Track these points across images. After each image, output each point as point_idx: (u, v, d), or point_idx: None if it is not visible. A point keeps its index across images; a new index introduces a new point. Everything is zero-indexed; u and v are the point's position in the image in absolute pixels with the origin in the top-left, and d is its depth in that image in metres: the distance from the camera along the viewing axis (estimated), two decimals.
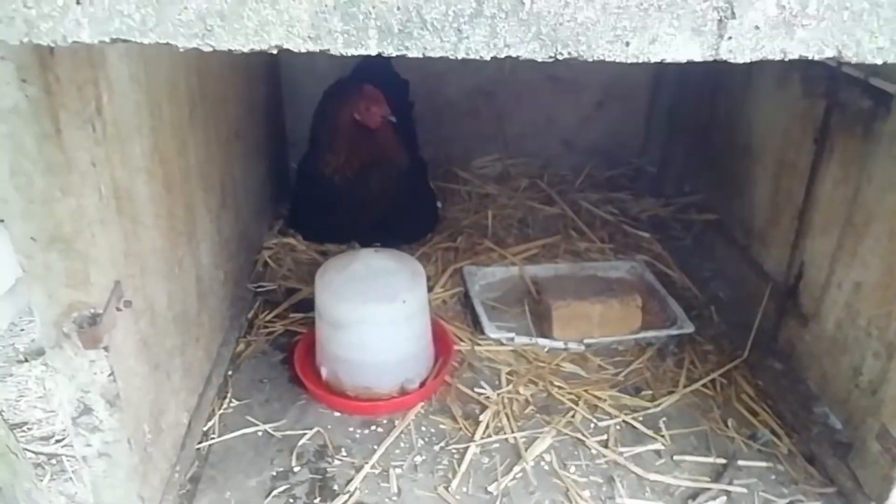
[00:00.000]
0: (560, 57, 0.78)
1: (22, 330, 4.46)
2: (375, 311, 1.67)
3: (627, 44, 0.77)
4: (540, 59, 0.77)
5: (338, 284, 1.70)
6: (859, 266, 1.61)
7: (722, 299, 2.21)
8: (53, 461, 3.52)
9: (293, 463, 1.58)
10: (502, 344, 1.98)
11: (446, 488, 1.53)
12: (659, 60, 0.79)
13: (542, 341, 1.98)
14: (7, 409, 3.24)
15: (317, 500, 1.49)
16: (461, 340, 1.99)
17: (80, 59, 1.00)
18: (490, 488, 1.53)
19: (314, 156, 2.33)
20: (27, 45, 0.79)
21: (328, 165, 2.24)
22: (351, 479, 1.54)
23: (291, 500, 1.49)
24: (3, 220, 0.99)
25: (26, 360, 4.07)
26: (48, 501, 2.51)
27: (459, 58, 0.78)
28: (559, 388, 1.83)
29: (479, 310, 2.06)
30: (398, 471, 1.57)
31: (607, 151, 2.98)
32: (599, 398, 1.80)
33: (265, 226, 2.43)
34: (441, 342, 1.90)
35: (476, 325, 2.06)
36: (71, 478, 3.10)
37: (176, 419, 1.47)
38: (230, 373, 1.85)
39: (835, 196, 1.71)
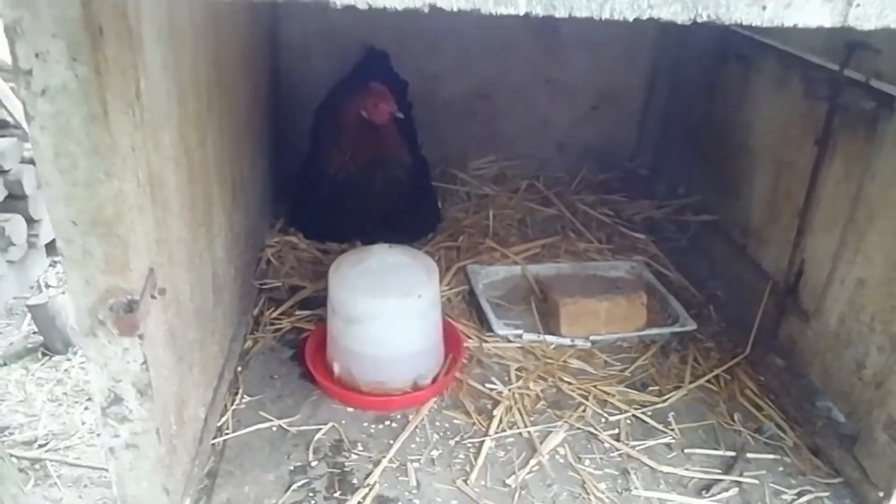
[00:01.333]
0: (699, 19, 0.81)
1: (0, 333, 4.35)
2: (392, 306, 1.68)
3: (764, 8, 0.81)
4: (679, 21, 0.80)
5: (353, 279, 1.70)
6: (862, 262, 1.66)
7: (720, 298, 2.26)
8: (37, 466, 3.45)
9: (310, 457, 1.57)
10: (510, 341, 1.99)
11: (465, 481, 1.53)
12: (792, 24, 0.82)
13: (549, 338, 2.00)
14: None
15: (337, 494, 1.48)
16: (469, 337, 2.00)
17: (123, 40, 0.99)
18: (508, 481, 1.54)
19: (317, 154, 2.33)
20: (78, 21, 0.79)
21: (332, 163, 2.24)
22: (369, 474, 1.53)
23: (311, 494, 1.48)
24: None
25: (5, 364, 3.98)
26: None
27: (604, 18, 0.81)
28: (568, 383, 1.85)
29: (486, 307, 2.08)
30: (416, 465, 1.57)
31: (600, 154, 3.02)
32: (608, 393, 1.83)
33: (267, 224, 2.42)
34: (450, 339, 1.91)
35: (482, 323, 2.07)
36: (56, 483, 3.03)
37: (195, 413, 1.46)
38: (240, 369, 1.83)
39: (837, 194, 1.77)
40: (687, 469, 1.61)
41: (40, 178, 0.96)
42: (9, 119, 4.14)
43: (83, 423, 3.66)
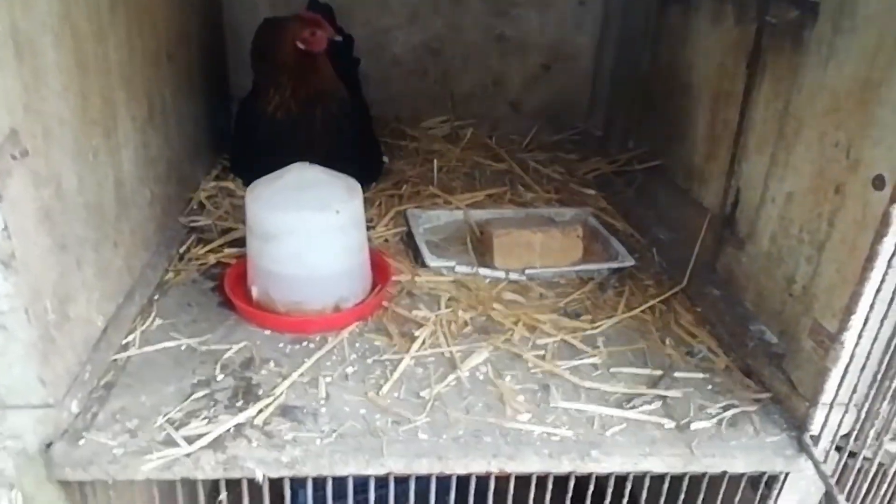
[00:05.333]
0: None
1: None
2: (307, 221, 1.62)
3: None
4: None
5: (268, 195, 1.64)
6: (791, 176, 1.62)
7: (663, 241, 2.21)
8: None
9: (216, 372, 1.50)
10: (443, 274, 1.94)
11: (377, 393, 1.47)
12: None
13: (483, 270, 1.94)
14: None
15: (239, 403, 1.41)
16: (401, 272, 1.94)
17: None
18: (422, 393, 1.48)
19: (255, 95, 2.27)
20: None
21: (270, 103, 2.19)
22: (276, 386, 1.47)
23: (212, 403, 1.41)
24: None
25: None
26: None
27: None
28: (499, 311, 1.79)
29: (421, 245, 2.02)
30: (328, 379, 1.51)
31: (554, 115, 2.99)
32: (539, 321, 1.77)
33: (201, 170, 2.36)
34: (379, 270, 1.86)
35: (417, 261, 2.02)
36: None
37: (87, 315, 1.39)
38: (156, 297, 1.76)
39: (767, 114, 1.73)
40: (611, 385, 1.55)
41: None
42: None
43: None
